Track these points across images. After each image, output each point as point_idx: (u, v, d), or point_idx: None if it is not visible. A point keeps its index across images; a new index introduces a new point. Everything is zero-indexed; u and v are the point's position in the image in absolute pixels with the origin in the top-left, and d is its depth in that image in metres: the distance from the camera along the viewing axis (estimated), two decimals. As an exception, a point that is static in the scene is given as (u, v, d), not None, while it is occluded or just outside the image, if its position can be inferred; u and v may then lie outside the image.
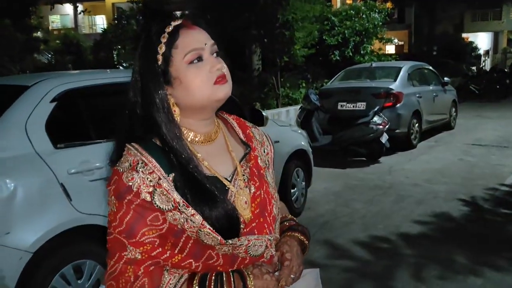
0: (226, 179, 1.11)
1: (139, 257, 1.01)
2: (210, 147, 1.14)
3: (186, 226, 1.02)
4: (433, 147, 8.63)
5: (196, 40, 1.06)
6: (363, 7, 12.71)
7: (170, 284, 1.04)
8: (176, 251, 1.04)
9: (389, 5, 15.64)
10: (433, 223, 4.66)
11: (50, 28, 26.36)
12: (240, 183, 1.13)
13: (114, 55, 10.52)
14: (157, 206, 1.01)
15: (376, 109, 7.45)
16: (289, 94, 10.57)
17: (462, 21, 30.07)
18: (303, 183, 5.11)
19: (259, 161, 1.20)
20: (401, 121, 8.06)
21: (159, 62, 1.06)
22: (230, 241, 1.04)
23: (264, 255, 1.12)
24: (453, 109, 10.38)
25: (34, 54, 10.93)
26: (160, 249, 1.02)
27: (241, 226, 1.09)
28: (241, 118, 1.27)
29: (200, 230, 1.02)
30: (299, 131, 5.42)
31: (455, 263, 3.71)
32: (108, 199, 1.06)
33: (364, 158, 7.63)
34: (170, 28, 1.06)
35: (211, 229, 1.02)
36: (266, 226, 1.13)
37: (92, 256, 2.78)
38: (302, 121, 7.73)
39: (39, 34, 13.11)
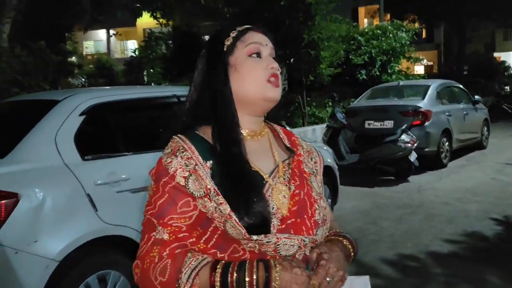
0: (265, 174, 1.13)
1: (166, 237, 1.03)
2: (254, 144, 1.16)
3: (214, 215, 1.03)
4: (464, 166, 8.40)
5: (259, 38, 1.15)
6: (389, 27, 12.67)
7: (192, 265, 1.02)
8: (202, 241, 1.05)
9: (416, 25, 15.52)
10: (464, 242, 4.50)
11: (84, 53, 27.41)
12: (279, 179, 1.14)
13: (144, 76, 10.82)
14: (189, 191, 1.04)
15: (404, 127, 7.33)
16: (315, 113, 10.55)
17: (493, 40, 29.55)
18: (329, 200, 5.05)
19: (302, 165, 1.20)
20: (430, 139, 7.89)
21: (224, 52, 1.14)
22: (254, 237, 1.02)
23: (296, 255, 1.08)
24: (485, 128, 10.10)
25: (69, 78, 11.33)
26: (187, 234, 1.04)
27: (277, 222, 1.07)
28: (287, 129, 1.32)
29: (227, 221, 1.02)
30: (325, 148, 5.38)
31: (487, 283, 3.56)
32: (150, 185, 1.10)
33: (393, 177, 7.49)
34: (241, 28, 1.16)
35: (237, 220, 1.01)
36: (304, 229, 1.11)
37: (117, 267, 2.81)
38: (329, 139, 7.67)
39: (73, 59, 13.64)
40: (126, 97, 3.33)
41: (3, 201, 2.42)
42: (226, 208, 1.02)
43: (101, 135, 3.12)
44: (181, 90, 3.72)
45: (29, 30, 6.86)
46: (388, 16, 19.28)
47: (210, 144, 1.10)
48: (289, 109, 10.17)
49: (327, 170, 5.01)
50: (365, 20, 28.00)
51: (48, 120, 2.83)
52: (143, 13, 9.28)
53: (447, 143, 8.31)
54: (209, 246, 1.05)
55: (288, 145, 1.22)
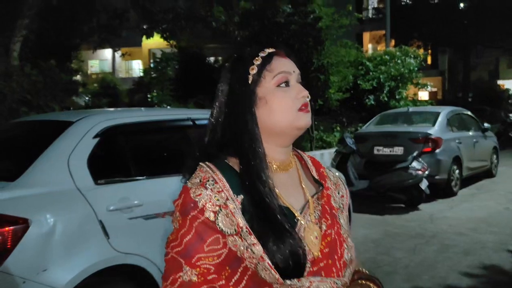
0: (296, 211, 1.07)
1: (194, 279, 0.96)
2: (283, 176, 1.10)
3: (245, 255, 0.97)
4: (475, 194, 8.25)
5: (286, 65, 1.09)
6: (397, 53, 12.71)
7: None
8: (231, 284, 0.98)
9: (421, 51, 15.62)
10: (483, 275, 4.33)
11: (89, 72, 27.58)
12: (311, 217, 1.07)
13: (150, 97, 10.82)
14: (219, 227, 0.97)
15: (415, 154, 7.23)
16: (323, 137, 10.47)
17: (497, 67, 29.70)
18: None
19: (332, 200, 1.14)
20: (441, 167, 7.77)
21: (249, 82, 1.07)
22: (288, 281, 0.96)
23: None
24: (494, 156, 9.99)
25: (73, 97, 11.32)
26: (216, 276, 0.97)
27: (308, 264, 1.00)
28: (316, 158, 1.23)
29: (259, 263, 0.95)
30: (337, 174, 5.26)
31: (513, 321, 3.39)
32: (173, 215, 1.03)
33: (403, 205, 7.34)
34: (265, 53, 1.09)
35: (270, 264, 0.95)
36: (334, 270, 1.05)
37: (127, 298, 2.67)
38: (338, 164, 7.56)
39: (78, 77, 13.67)
40: (141, 119, 3.24)
41: (12, 227, 2.30)
42: (259, 249, 0.95)
43: (115, 159, 3.01)
44: (196, 113, 3.63)
45: (39, 49, 6.86)
46: (393, 42, 19.42)
47: (242, 177, 1.02)
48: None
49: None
50: (370, 45, 28.23)
51: (61, 142, 2.73)
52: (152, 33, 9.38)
53: (457, 171, 8.19)
54: None
55: (317, 177, 1.14)
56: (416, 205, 7.22)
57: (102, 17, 8.15)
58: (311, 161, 1.19)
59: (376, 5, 28.63)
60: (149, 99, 12.26)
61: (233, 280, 0.98)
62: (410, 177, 7.03)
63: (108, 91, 17.35)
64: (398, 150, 7.87)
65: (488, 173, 9.70)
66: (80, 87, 12.46)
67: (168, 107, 10.15)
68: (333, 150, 8.91)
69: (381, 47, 23.45)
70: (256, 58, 1.08)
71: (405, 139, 7.91)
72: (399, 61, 12.37)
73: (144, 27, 7.77)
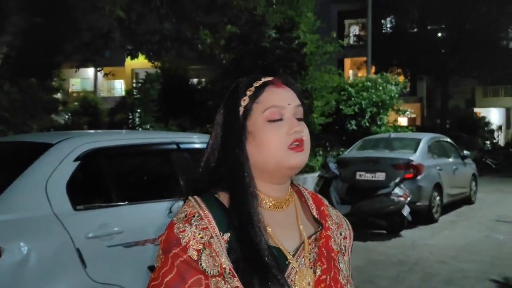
0: (289, 253, 0.98)
1: None
2: (278, 215, 1.02)
3: None
4: (455, 222, 8.30)
5: (279, 98, 1.00)
6: (379, 79, 12.93)
7: None
8: None
9: (401, 78, 15.94)
10: (467, 306, 4.30)
11: (70, 90, 27.23)
12: (305, 261, 0.99)
13: (133, 118, 10.69)
14: (202, 267, 0.91)
15: (397, 180, 7.26)
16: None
17: (473, 96, 30.48)
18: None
19: (331, 242, 1.04)
20: (422, 193, 7.82)
21: (240, 115, 1.00)
22: None
23: None
24: (473, 183, 10.12)
25: (52, 115, 11.11)
26: None
27: None
28: (318, 195, 1.13)
29: None
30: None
31: None
32: (157, 252, 0.97)
33: (385, 231, 7.32)
34: (259, 83, 1.02)
35: None
36: None
37: (104, 332, 2.53)
38: (320, 189, 7.53)
39: (58, 96, 13.45)
40: (124, 142, 3.14)
41: (-17, 256, 2.16)
42: None
43: (95, 183, 2.91)
44: (180, 137, 3.56)
45: (20, 66, 6.73)
46: (374, 68, 19.77)
47: (231, 213, 0.96)
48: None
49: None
50: (351, 71, 28.71)
51: (40, 165, 2.61)
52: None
53: (438, 198, 8.25)
54: None
55: (317, 216, 1.05)
56: (398, 232, 7.21)
57: (87, 36, 8.08)
58: (312, 198, 1.10)
59: (357, 32, 29.25)
60: (130, 120, 12.12)
61: None
62: (392, 203, 7.04)
63: (89, 110, 17.12)
64: (380, 176, 7.90)
65: (467, 200, 9.80)
66: (61, 105, 12.24)
67: (151, 128, 10.04)
68: (316, 174, 8.89)
69: (361, 73, 23.86)
70: (250, 88, 1.00)
71: (387, 165, 7.95)
72: (380, 88, 12.57)
73: (129, 47, 7.72)
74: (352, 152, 9.21)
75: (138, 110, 10.35)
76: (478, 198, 10.29)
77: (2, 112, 5.69)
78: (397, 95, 13.00)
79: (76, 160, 2.71)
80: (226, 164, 1.00)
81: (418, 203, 7.73)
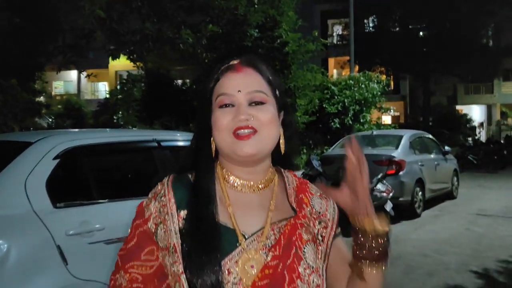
0: (244, 235, 0.97)
1: (124, 284, 0.99)
2: (249, 197, 1.02)
3: (169, 272, 0.97)
4: (437, 216, 8.43)
5: (231, 85, 1.00)
6: (362, 78, 13.07)
7: None
8: None
9: (383, 77, 16.14)
10: (447, 296, 4.39)
11: (53, 93, 26.92)
12: (258, 245, 0.97)
13: (116, 118, 10.63)
14: (156, 239, 0.99)
15: (379, 176, 7.35)
16: (290, 160, 10.51)
17: (455, 93, 30.94)
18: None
19: (301, 230, 1.00)
20: (404, 189, 7.94)
21: (206, 98, 1.04)
22: None
23: None
24: (455, 178, 10.30)
25: (36, 118, 11.00)
26: (142, 286, 0.98)
27: None
28: (308, 183, 1.10)
29: (177, 282, 0.94)
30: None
31: None
32: None
33: (368, 227, 7.40)
34: (222, 68, 1.03)
35: (184, 285, 0.92)
36: None
37: (86, 328, 2.53)
38: (304, 187, 7.59)
39: (41, 98, 13.31)
40: (104, 140, 3.16)
41: (-39, 254, 2.16)
42: (178, 268, 0.94)
43: (75, 181, 2.91)
44: (161, 135, 3.57)
45: (1, 68, 6.65)
46: (357, 67, 19.97)
47: (192, 192, 1.01)
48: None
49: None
50: (335, 71, 28.92)
51: (19, 163, 2.61)
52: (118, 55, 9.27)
53: (420, 193, 8.38)
54: None
55: (293, 203, 1.03)
56: (381, 227, 7.29)
57: (68, 37, 8.00)
58: (297, 185, 1.08)
59: (340, 32, 29.49)
60: (115, 121, 12.04)
61: None
62: (375, 199, 7.11)
63: (72, 113, 16.98)
64: (363, 173, 7.98)
65: (449, 195, 9.96)
66: (43, 108, 12.11)
67: (134, 128, 9.99)
68: (300, 172, 8.96)
69: (345, 72, 24.05)
70: (217, 73, 1.03)
71: (369, 161, 7.72)
72: (363, 86, 12.71)
73: (111, 48, 7.68)
74: (335, 150, 9.30)
75: (121, 111, 10.30)
76: (460, 193, 10.47)
77: (-17, 112, 5.63)
78: (379, 93, 13.16)
79: (55, 158, 2.71)
80: (196, 142, 1.06)
81: (401, 199, 7.84)
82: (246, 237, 0.97)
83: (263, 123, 0.98)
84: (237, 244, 0.96)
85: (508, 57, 24.16)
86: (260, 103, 1.00)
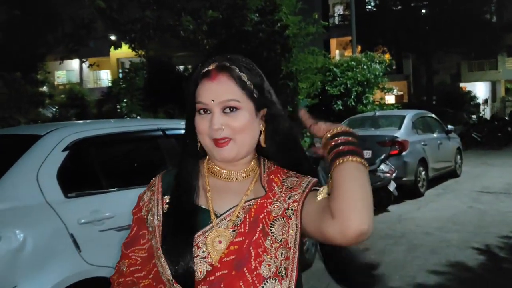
0: (216, 215, 1.07)
1: (125, 269, 1.13)
2: (230, 185, 1.12)
3: (154, 251, 1.08)
4: (441, 194, 8.52)
5: (205, 94, 1.06)
6: (363, 58, 13.02)
7: None
8: (150, 277, 1.10)
9: (387, 56, 16.04)
10: (449, 273, 4.50)
11: (55, 83, 26.96)
12: (228, 223, 1.05)
13: (121, 107, 10.70)
14: (147, 224, 1.11)
15: (382, 157, 7.42)
16: (293, 143, 10.55)
17: (459, 71, 30.73)
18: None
19: (270, 208, 1.06)
20: (408, 169, 8.01)
21: (190, 96, 1.11)
22: (178, 286, 1.01)
23: None
24: (458, 157, 10.35)
25: (39, 108, 11.09)
26: (140, 267, 1.11)
27: (206, 268, 1.01)
28: (284, 170, 1.14)
29: (159, 260, 1.05)
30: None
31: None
32: None
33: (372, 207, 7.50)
34: (200, 73, 1.09)
35: (163, 264, 1.03)
36: (242, 283, 0.99)
37: (101, 311, 2.66)
38: (308, 170, 7.67)
39: (44, 88, 13.37)
40: (111, 131, 3.23)
41: (-20, 244, 2.26)
42: (158, 246, 1.05)
43: (85, 171, 3.00)
44: (166, 123, 3.65)
45: (3, 60, 6.71)
46: (359, 48, 19.88)
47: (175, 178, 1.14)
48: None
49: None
50: (337, 52, 28.75)
51: (30, 156, 2.70)
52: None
53: (423, 172, 8.45)
54: (154, 284, 1.09)
55: (264, 184, 1.10)
56: (385, 207, 7.40)
57: (68, 27, 8.04)
58: (274, 170, 1.13)
59: (342, 12, 29.20)
60: (118, 110, 12.11)
61: (152, 274, 1.10)
62: (378, 179, 7.20)
63: (76, 102, 17.03)
64: (366, 154, 8.04)
65: (453, 174, 10.03)
66: (47, 98, 12.18)
67: (138, 117, 10.06)
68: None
69: (348, 53, 23.92)
70: (196, 78, 1.09)
71: (372, 142, 8.11)
72: (365, 67, 12.68)
73: (112, 37, 7.71)
74: (338, 132, 9.34)
75: (125, 100, 10.36)
76: (463, 171, 10.54)
77: (-12, 106, 5.71)
78: (382, 74, 13.12)
79: (64, 150, 2.80)
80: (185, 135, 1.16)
81: (404, 178, 7.93)
82: (218, 215, 1.07)
83: (236, 131, 1.05)
84: (209, 223, 1.06)
85: (511, 32, 23.92)
86: (234, 108, 1.05)
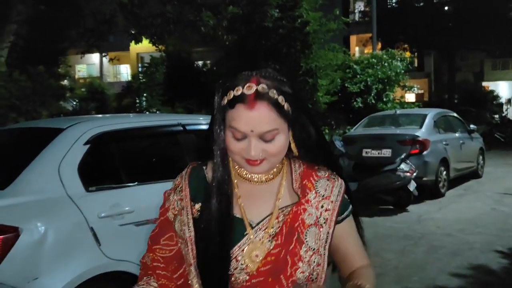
0: (251, 225, 1.08)
1: (149, 262, 1.14)
2: (259, 188, 1.12)
3: (185, 259, 1.10)
4: (462, 195, 8.36)
5: (243, 123, 1.02)
6: (384, 56, 12.84)
7: None
8: (175, 276, 1.12)
9: (407, 54, 15.80)
10: (471, 276, 4.40)
11: (76, 77, 27.33)
12: (264, 234, 1.08)
13: (141, 101, 10.77)
14: (175, 228, 1.12)
15: (403, 156, 7.30)
16: (312, 140, 10.48)
17: (482, 69, 30.11)
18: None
19: (304, 215, 1.09)
20: (428, 168, 7.87)
21: (220, 109, 1.07)
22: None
23: None
24: (481, 157, 10.13)
25: (60, 102, 11.24)
26: (164, 265, 1.12)
27: (244, 277, 1.06)
28: (315, 168, 1.15)
29: (190, 268, 1.06)
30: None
31: (501, 320, 3.44)
32: None
33: (391, 206, 7.41)
34: (231, 96, 1.03)
35: (195, 273, 1.05)
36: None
37: (119, 305, 2.67)
38: (327, 167, 7.60)
39: (65, 82, 13.55)
40: (131, 125, 3.24)
41: (2, 236, 2.29)
42: (190, 257, 1.07)
43: (106, 165, 3.01)
44: (186, 119, 3.64)
45: (27, 54, 6.81)
46: (379, 45, 19.63)
47: (208, 186, 1.10)
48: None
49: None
50: (357, 48, 28.45)
51: (52, 150, 2.72)
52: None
53: (444, 172, 8.29)
54: (178, 283, 1.11)
55: (297, 189, 1.11)
56: (404, 207, 7.29)
57: (90, 22, 8.11)
58: (304, 171, 1.14)
59: (362, 9, 28.86)
60: (137, 104, 12.20)
61: (177, 274, 1.12)
62: (398, 179, 7.10)
63: (96, 96, 17.20)
64: (386, 152, 7.95)
65: (474, 174, 9.82)
66: (68, 92, 12.33)
67: (158, 111, 10.11)
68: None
69: (368, 50, 23.64)
70: (230, 92, 1.03)
71: (393, 141, 7.99)
72: (386, 64, 12.50)
73: (133, 32, 7.75)
74: (358, 130, 9.25)
75: (145, 94, 10.42)
76: (485, 172, 10.31)
77: (13, 100, 5.80)
78: (403, 71, 12.92)
79: (86, 143, 2.81)
80: (211, 140, 1.11)
81: (425, 178, 7.79)
82: (253, 225, 1.08)
83: (272, 154, 1.05)
84: (245, 234, 1.07)
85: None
86: (271, 138, 1.03)
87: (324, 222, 1.10)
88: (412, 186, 7.14)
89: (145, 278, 1.14)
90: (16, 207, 2.43)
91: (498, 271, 4.50)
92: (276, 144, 1.04)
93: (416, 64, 24.05)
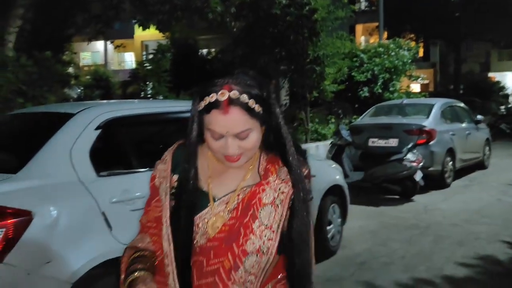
0: (214, 199, 1.25)
1: (144, 221, 1.33)
2: (228, 170, 1.26)
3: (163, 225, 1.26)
4: (468, 186, 8.34)
5: (219, 125, 1.16)
6: (391, 45, 12.74)
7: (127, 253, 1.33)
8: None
9: (413, 44, 15.67)
10: (478, 266, 4.40)
11: (81, 64, 27.29)
12: (224, 208, 1.24)
13: (145, 89, 10.74)
14: (160, 194, 1.28)
15: (410, 145, 7.28)
16: (318, 129, 10.49)
17: (488, 60, 29.88)
18: (339, 220, 4.94)
19: (261, 195, 1.23)
20: (435, 158, 7.85)
21: (199, 110, 1.20)
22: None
23: None
24: (487, 148, 10.09)
25: (65, 89, 11.21)
26: (155, 224, 1.28)
27: (203, 240, 1.23)
28: (278, 156, 1.28)
29: (165, 228, 1.24)
30: (333, 166, 5.30)
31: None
32: None
33: (398, 196, 7.41)
34: (206, 102, 1.16)
35: (169, 236, 1.21)
36: (229, 254, 1.20)
37: (131, 290, 2.67)
38: (333, 156, 7.59)
39: (70, 69, 13.50)
40: (142, 111, 3.24)
41: (15, 220, 2.29)
42: (165, 219, 1.23)
43: (117, 150, 3.00)
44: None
45: (34, 40, 6.77)
46: (386, 34, 19.45)
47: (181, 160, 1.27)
48: (292, 125, 10.11)
49: (338, 189, 4.92)
50: (363, 37, 28.25)
51: (63, 134, 2.71)
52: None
53: (450, 163, 8.27)
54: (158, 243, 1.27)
55: (261, 172, 1.27)
56: (410, 197, 7.29)
57: (97, 8, 8.05)
58: (270, 158, 1.29)
59: (369, -3, 28.60)
60: (143, 91, 12.18)
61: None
62: (404, 168, 7.09)
63: (101, 83, 17.16)
64: (393, 142, 7.92)
65: (480, 165, 9.80)
66: (73, 79, 12.29)
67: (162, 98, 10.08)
68: (328, 142, 8.94)
69: (373, 39, 23.45)
70: (206, 98, 1.16)
71: (399, 131, 7.96)
72: (393, 54, 12.40)
73: (139, 18, 7.69)
74: (364, 119, 9.22)
75: (151, 82, 10.40)
76: (491, 162, 10.29)
77: (20, 85, 5.79)
78: (409, 61, 12.82)
79: (97, 128, 2.80)
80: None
81: (431, 168, 7.77)
82: (216, 199, 1.25)
83: (247, 149, 1.20)
84: (208, 205, 1.24)
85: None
86: (245, 136, 1.19)
87: (280, 204, 1.23)
88: (418, 176, 7.13)
89: (141, 234, 1.33)
90: (29, 191, 2.43)
91: (504, 261, 4.50)
92: (250, 141, 1.19)
93: (421, 54, 23.84)
